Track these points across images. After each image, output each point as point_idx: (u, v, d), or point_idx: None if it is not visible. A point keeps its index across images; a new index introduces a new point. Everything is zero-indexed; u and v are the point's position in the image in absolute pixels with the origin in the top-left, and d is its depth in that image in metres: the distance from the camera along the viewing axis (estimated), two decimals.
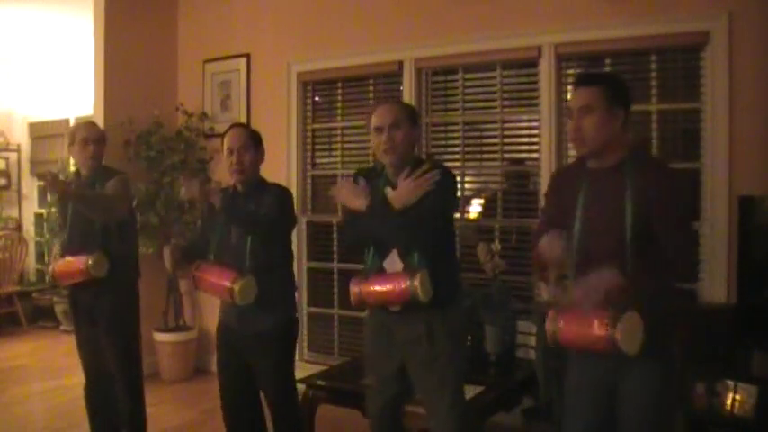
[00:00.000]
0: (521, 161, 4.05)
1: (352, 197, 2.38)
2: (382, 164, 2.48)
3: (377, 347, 2.52)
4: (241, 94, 4.86)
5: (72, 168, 6.53)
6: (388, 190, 2.38)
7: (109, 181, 3.01)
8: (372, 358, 2.56)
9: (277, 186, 2.81)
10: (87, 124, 3.20)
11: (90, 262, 2.87)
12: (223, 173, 4.99)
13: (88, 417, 3.19)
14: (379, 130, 2.41)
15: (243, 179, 2.73)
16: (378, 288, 2.34)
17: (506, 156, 4.00)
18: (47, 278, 6.82)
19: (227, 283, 2.57)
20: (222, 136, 2.83)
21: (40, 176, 6.93)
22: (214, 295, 2.75)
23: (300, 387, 3.34)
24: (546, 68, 3.72)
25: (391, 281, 2.32)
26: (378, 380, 2.53)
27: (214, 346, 2.90)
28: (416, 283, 2.23)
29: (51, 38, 6.30)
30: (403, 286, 2.26)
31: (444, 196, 2.33)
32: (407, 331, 2.39)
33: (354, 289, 2.39)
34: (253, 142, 2.75)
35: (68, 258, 2.99)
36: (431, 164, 2.44)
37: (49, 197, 6.63)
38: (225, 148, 2.74)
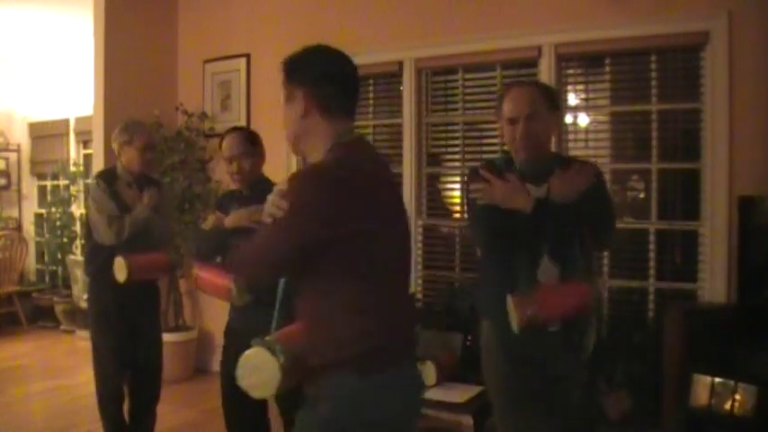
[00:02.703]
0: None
1: (513, 195, 2.01)
2: (503, 158, 2.22)
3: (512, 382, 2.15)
4: (241, 94, 4.86)
5: (73, 167, 6.55)
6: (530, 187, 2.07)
7: (150, 187, 3.14)
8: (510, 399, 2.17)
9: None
10: (148, 129, 3.29)
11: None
12: (223, 174, 5.01)
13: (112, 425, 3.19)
14: (512, 121, 2.11)
15: (245, 185, 2.74)
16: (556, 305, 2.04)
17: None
18: (46, 278, 6.85)
19: (227, 283, 2.55)
20: (220, 141, 2.82)
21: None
22: (214, 295, 2.74)
23: None
24: (546, 68, 3.72)
25: (571, 293, 2.06)
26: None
27: (214, 346, 2.91)
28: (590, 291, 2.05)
29: (51, 38, 6.30)
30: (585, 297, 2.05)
31: (606, 191, 2.19)
32: (541, 349, 2.11)
33: (528, 313, 1.97)
34: (251, 146, 2.76)
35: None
36: (570, 159, 2.27)
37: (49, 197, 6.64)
38: (223, 155, 2.73)
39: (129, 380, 3.21)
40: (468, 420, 2.90)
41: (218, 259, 2.59)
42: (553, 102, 2.11)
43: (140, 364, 3.20)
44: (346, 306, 1.57)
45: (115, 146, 3.14)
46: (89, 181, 3.20)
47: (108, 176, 3.15)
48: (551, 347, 2.10)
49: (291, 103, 1.68)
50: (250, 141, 2.77)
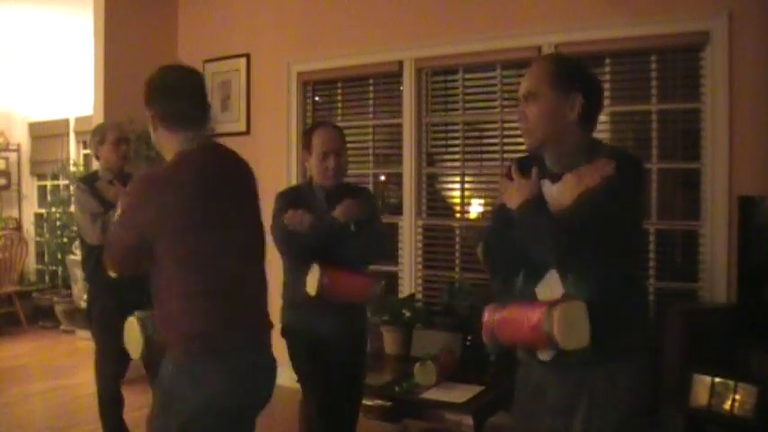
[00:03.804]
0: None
1: (509, 193, 1.72)
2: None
3: (522, 411, 1.83)
4: (241, 94, 4.86)
5: (73, 167, 6.55)
6: (546, 184, 1.72)
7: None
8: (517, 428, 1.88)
9: (365, 188, 2.80)
10: (117, 124, 3.31)
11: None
12: None
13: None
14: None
15: (337, 180, 2.63)
16: (506, 320, 1.69)
17: (506, 155, 4.00)
18: (46, 278, 6.86)
19: (366, 280, 2.58)
20: (308, 135, 2.67)
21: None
22: (347, 297, 2.58)
23: (300, 387, 3.34)
24: None
25: (524, 311, 1.64)
26: None
27: None
28: (554, 317, 1.55)
29: (51, 38, 6.31)
30: (534, 321, 1.59)
31: (621, 196, 1.60)
32: (557, 395, 1.70)
33: (486, 318, 1.75)
34: (344, 141, 2.67)
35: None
36: (607, 152, 1.70)
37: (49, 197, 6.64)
38: (317, 149, 2.58)
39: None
40: (468, 420, 2.90)
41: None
42: (564, 80, 1.66)
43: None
44: (178, 292, 1.79)
45: (92, 152, 3.23)
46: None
47: (88, 179, 3.23)
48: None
49: (148, 120, 1.91)
50: (342, 136, 2.68)
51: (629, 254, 1.70)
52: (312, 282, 2.46)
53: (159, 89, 1.88)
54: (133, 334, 1.92)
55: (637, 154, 1.86)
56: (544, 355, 1.68)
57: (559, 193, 1.66)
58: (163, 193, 1.78)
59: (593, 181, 1.60)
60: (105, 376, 3.15)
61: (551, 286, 1.67)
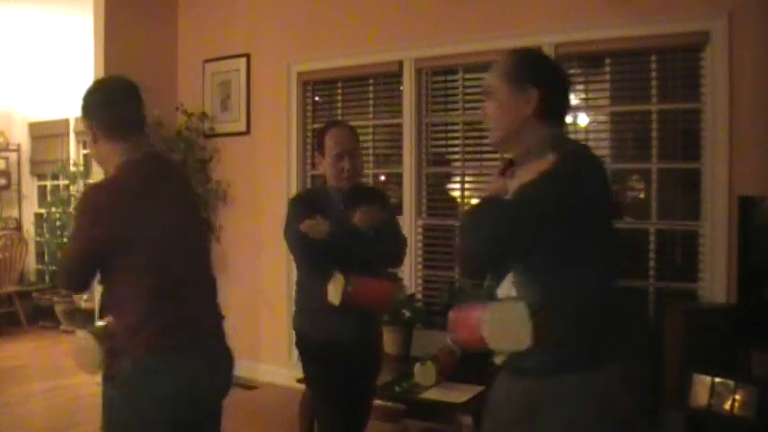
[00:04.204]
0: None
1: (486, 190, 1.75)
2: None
3: (490, 415, 1.75)
4: (241, 94, 4.86)
5: (73, 167, 6.55)
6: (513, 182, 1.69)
7: None
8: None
9: (381, 190, 2.69)
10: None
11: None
12: (225, 173, 5.00)
13: None
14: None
15: (353, 182, 2.51)
16: (454, 320, 1.63)
17: (506, 155, 4.00)
18: (46, 278, 6.86)
19: (390, 285, 2.50)
20: (320, 135, 2.55)
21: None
22: (372, 305, 2.47)
23: (300, 387, 3.34)
24: None
25: (469, 312, 1.59)
26: None
27: None
28: (484, 317, 1.49)
29: (51, 38, 6.30)
30: (472, 321, 1.54)
31: (546, 195, 1.50)
32: (505, 404, 1.65)
33: (450, 316, 1.67)
34: (358, 141, 2.57)
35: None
36: (559, 148, 1.62)
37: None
38: (331, 151, 2.47)
39: None
40: (468, 420, 2.90)
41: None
42: (520, 75, 1.61)
43: None
44: (132, 297, 1.86)
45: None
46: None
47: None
48: None
49: (87, 134, 1.94)
50: (356, 136, 2.57)
51: (578, 256, 1.53)
52: (335, 291, 2.34)
53: (98, 99, 1.93)
54: (89, 349, 1.91)
55: (590, 153, 1.67)
56: (498, 358, 1.63)
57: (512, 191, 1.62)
58: (114, 203, 1.84)
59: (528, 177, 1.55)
60: None
61: (507, 286, 1.62)
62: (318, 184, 2.73)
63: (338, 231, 2.36)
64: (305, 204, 2.53)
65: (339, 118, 4.55)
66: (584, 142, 3.81)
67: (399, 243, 2.59)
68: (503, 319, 1.49)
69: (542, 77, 1.61)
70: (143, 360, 1.85)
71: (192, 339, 1.92)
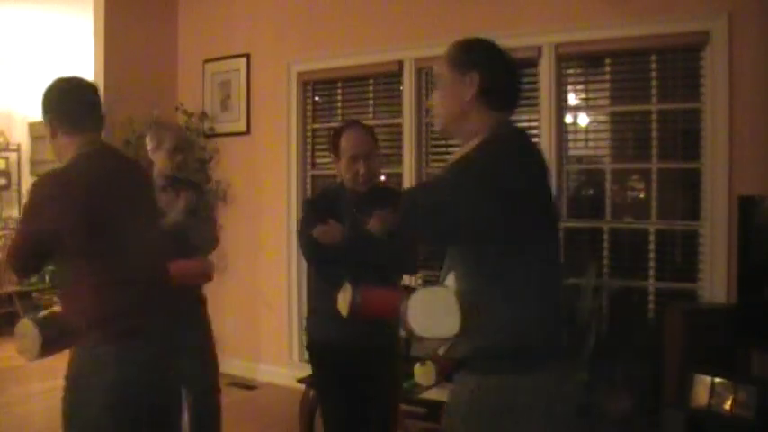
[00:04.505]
0: None
1: None
2: None
3: None
4: (241, 94, 4.86)
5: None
6: None
7: (188, 190, 2.96)
8: None
9: (398, 192, 2.51)
10: (177, 129, 3.10)
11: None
12: (225, 173, 5.00)
13: None
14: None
15: (369, 185, 2.42)
16: (374, 303, 1.76)
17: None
18: (46, 278, 6.85)
19: (398, 296, 2.32)
20: (335, 136, 2.46)
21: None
22: (378, 315, 2.34)
23: (300, 387, 3.34)
24: (546, 68, 3.72)
25: (390, 295, 1.72)
26: None
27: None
28: (412, 302, 1.54)
29: (51, 38, 6.31)
30: (396, 303, 1.64)
31: (457, 186, 1.51)
32: (454, 399, 1.63)
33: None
34: (375, 143, 2.46)
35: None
36: (487, 134, 1.63)
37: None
38: (346, 152, 2.38)
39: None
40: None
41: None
42: (461, 60, 1.63)
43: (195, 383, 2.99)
44: (82, 284, 1.94)
45: (149, 152, 3.02)
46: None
47: None
48: None
49: (46, 129, 2.03)
50: (373, 137, 2.46)
51: (492, 252, 1.51)
52: (343, 302, 2.27)
53: (56, 95, 2.02)
54: (28, 335, 1.99)
55: (519, 140, 1.64)
56: (440, 349, 1.65)
57: None
58: (64, 191, 1.92)
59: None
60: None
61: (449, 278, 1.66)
62: (334, 185, 2.65)
63: (351, 237, 2.29)
64: (318, 208, 2.46)
65: (339, 118, 4.56)
66: (583, 142, 3.84)
67: (415, 249, 2.50)
68: (430, 305, 1.51)
69: (483, 61, 1.61)
70: (92, 348, 1.93)
71: (142, 328, 1.97)
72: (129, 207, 2.02)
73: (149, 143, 3.00)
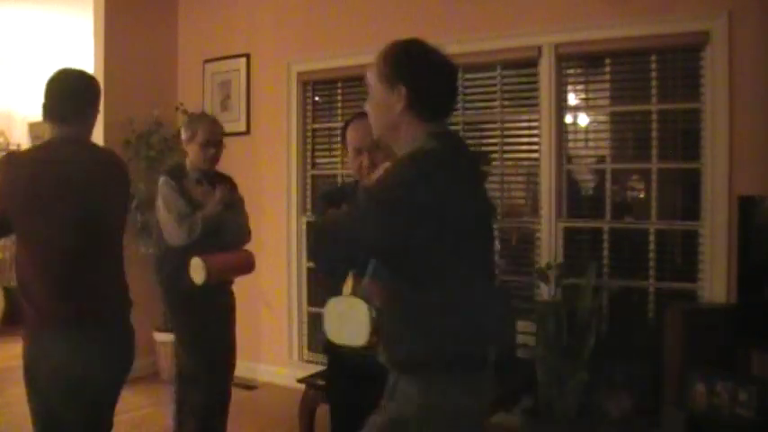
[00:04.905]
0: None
1: None
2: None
3: None
4: (241, 94, 4.86)
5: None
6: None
7: (223, 183, 2.97)
8: None
9: None
10: (212, 121, 3.04)
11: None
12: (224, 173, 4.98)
13: None
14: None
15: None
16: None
17: (506, 155, 4.01)
18: None
19: None
20: (344, 129, 2.41)
21: None
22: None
23: (300, 387, 3.34)
24: (546, 68, 3.72)
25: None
26: None
27: None
28: (327, 309, 1.65)
29: (51, 38, 6.30)
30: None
31: (372, 197, 1.57)
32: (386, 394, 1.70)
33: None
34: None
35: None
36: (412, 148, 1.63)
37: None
38: (350, 146, 2.33)
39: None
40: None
41: None
42: (389, 72, 1.61)
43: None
44: (25, 265, 2.02)
45: (183, 143, 3.00)
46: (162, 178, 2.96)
47: (175, 173, 2.96)
48: None
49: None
50: None
51: (414, 262, 1.52)
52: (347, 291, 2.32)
53: (46, 84, 2.11)
54: None
55: (448, 151, 1.58)
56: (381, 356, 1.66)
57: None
58: (10, 170, 2.02)
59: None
60: (212, 392, 2.98)
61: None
62: (351, 180, 2.56)
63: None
64: (329, 201, 2.38)
65: (339, 118, 4.56)
66: (583, 142, 3.83)
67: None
68: (345, 313, 1.60)
69: (409, 74, 1.58)
70: (38, 333, 2.05)
71: (81, 318, 2.03)
72: (85, 199, 2.05)
73: (183, 134, 2.97)
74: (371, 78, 1.65)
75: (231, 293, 3.08)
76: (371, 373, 2.23)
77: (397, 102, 1.58)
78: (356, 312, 1.57)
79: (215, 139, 2.96)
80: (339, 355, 2.36)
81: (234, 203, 2.97)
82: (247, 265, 2.95)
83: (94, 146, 2.24)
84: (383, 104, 1.62)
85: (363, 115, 2.34)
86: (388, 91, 1.59)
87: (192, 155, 2.94)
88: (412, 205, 1.46)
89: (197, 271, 2.72)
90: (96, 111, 2.19)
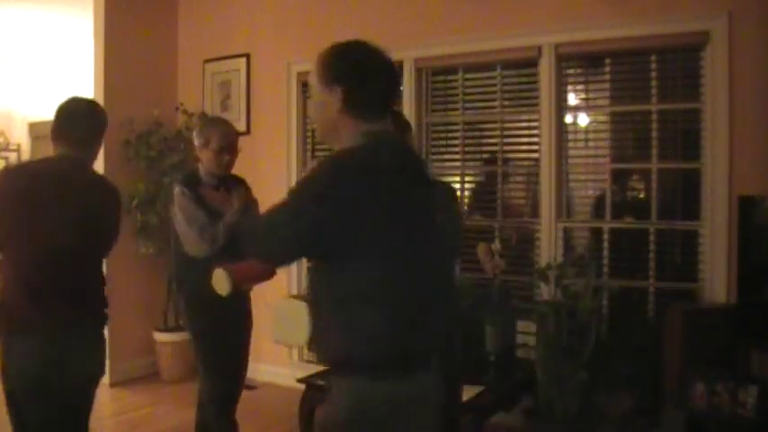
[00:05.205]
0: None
1: None
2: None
3: None
4: (241, 94, 4.86)
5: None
6: None
7: (238, 187, 2.92)
8: None
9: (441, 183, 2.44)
10: (224, 123, 2.99)
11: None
12: None
13: None
14: None
15: None
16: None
17: (506, 155, 4.01)
18: None
19: None
20: None
21: None
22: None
23: (300, 387, 3.35)
24: (546, 68, 3.72)
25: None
26: None
27: None
28: (272, 310, 1.76)
29: (51, 38, 6.30)
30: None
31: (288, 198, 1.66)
32: None
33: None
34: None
35: None
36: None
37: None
38: None
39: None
40: (468, 420, 2.90)
41: None
42: (325, 73, 1.65)
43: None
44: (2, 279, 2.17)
45: (196, 149, 2.93)
46: (177, 188, 2.85)
47: (190, 181, 2.85)
48: None
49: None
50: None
51: (331, 263, 1.55)
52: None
53: (56, 111, 2.34)
54: None
55: (375, 150, 1.58)
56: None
57: None
58: (4, 182, 2.21)
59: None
60: (222, 398, 2.88)
61: None
62: None
63: None
64: None
65: None
66: (583, 142, 3.83)
67: None
68: (286, 315, 1.68)
69: (345, 75, 1.60)
70: (5, 338, 2.15)
71: (49, 325, 2.12)
72: (65, 211, 2.16)
73: (196, 139, 2.89)
74: (312, 79, 1.67)
75: (249, 299, 3.05)
76: None
77: (335, 102, 1.60)
78: (297, 313, 1.63)
79: (229, 146, 2.89)
80: None
81: (249, 207, 2.90)
82: (268, 272, 2.86)
83: (90, 169, 2.37)
84: (321, 105, 1.64)
85: None
86: (325, 92, 1.62)
87: (206, 161, 2.87)
88: (320, 207, 1.49)
89: (221, 282, 2.56)
90: (100, 139, 2.36)
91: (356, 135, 1.60)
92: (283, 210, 1.61)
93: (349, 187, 1.49)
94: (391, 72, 1.67)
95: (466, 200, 4.18)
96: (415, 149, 2.12)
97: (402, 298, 1.55)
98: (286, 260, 1.72)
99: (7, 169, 2.32)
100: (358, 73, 1.61)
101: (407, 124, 2.55)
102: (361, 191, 1.49)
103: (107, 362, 2.51)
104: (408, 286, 1.56)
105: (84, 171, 2.30)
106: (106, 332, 2.41)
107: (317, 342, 1.63)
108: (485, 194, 4.12)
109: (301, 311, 1.62)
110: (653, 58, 3.53)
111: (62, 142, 2.28)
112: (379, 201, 1.51)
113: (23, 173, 2.29)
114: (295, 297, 1.70)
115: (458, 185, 4.20)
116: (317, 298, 1.61)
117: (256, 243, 1.68)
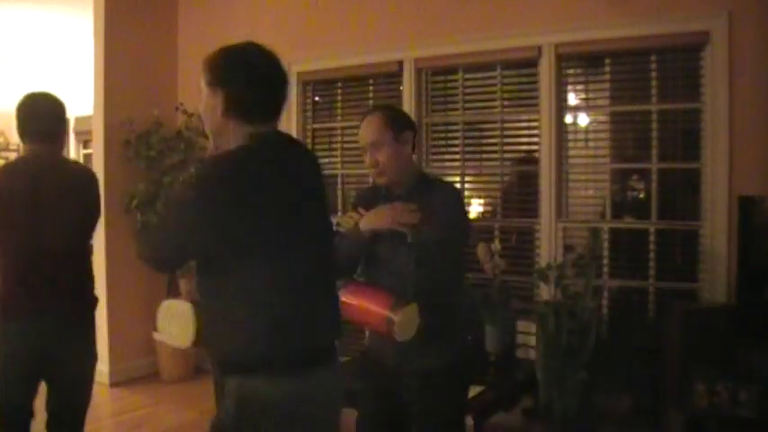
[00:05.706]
0: (525, 160, 4.00)
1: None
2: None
3: None
4: None
5: None
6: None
7: None
8: None
9: (445, 185, 2.34)
10: None
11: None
12: None
13: None
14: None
15: (390, 181, 2.17)
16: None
17: (506, 155, 4.01)
18: None
19: (386, 312, 1.99)
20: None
21: None
22: (365, 327, 2.28)
23: None
24: (546, 68, 3.72)
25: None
26: None
27: None
28: (159, 312, 1.82)
29: (51, 38, 6.30)
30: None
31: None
32: None
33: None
34: (391, 132, 2.14)
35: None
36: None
37: None
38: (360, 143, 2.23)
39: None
40: (468, 420, 2.90)
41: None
42: (210, 75, 1.73)
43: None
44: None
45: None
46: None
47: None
48: None
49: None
50: (385, 123, 2.16)
51: (214, 261, 1.58)
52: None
53: (17, 110, 2.59)
54: None
55: (220, 160, 1.62)
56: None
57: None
58: None
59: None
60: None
61: None
62: None
63: (352, 232, 2.11)
64: (359, 200, 2.30)
65: (339, 118, 4.56)
66: (583, 142, 3.83)
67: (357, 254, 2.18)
68: (171, 315, 1.72)
69: (227, 78, 1.63)
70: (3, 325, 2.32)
71: (34, 311, 2.31)
72: (47, 206, 2.34)
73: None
74: (201, 82, 1.70)
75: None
76: (397, 388, 2.19)
77: (218, 105, 1.62)
78: (181, 313, 1.67)
79: None
80: (365, 370, 2.31)
81: None
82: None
83: (63, 158, 2.55)
84: (208, 108, 1.66)
85: (371, 110, 2.30)
86: (211, 94, 1.65)
87: None
88: (200, 208, 1.52)
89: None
90: (66, 127, 2.59)
91: (240, 137, 1.62)
92: (169, 218, 1.70)
93: (225, 189, 1.51)
94: (278, 76, 1.68)
95: (465, 199, 4.17)
96: (305, 147, 2.18)
97: (284, 297, 1.56)
98: (177, 264, 1.70)
99: None
100: (240, 77, 1.63)
101: (410, 124, 2.32)
102: (237, 192, 1.51)
103: (107, 362, 2.56)
104: (291, 285, 1.56)
105: (58, 162, 2.48)
106: (104, 327, 2.55)
107: (206, 342, 1.65)
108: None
109: (186, 313, 1.67)
110: (653, 58, 3.53)
111: (31, 138, 2.45)
112: (257, 201, 1.53)
113: (3, 174, 2.45)
114: (178, 297, 1.80)
115: (458, 185, 4.20)
116: (203, 299, 1.63)
117: (149, 251, 1.68)
